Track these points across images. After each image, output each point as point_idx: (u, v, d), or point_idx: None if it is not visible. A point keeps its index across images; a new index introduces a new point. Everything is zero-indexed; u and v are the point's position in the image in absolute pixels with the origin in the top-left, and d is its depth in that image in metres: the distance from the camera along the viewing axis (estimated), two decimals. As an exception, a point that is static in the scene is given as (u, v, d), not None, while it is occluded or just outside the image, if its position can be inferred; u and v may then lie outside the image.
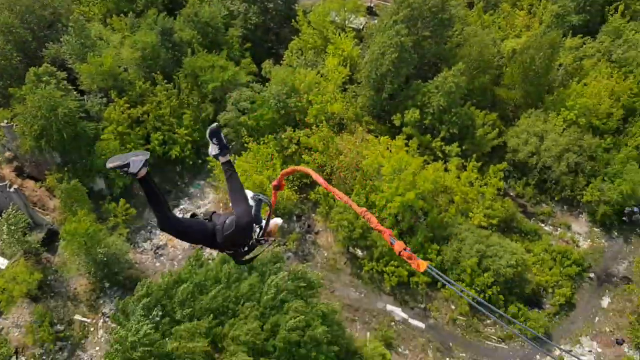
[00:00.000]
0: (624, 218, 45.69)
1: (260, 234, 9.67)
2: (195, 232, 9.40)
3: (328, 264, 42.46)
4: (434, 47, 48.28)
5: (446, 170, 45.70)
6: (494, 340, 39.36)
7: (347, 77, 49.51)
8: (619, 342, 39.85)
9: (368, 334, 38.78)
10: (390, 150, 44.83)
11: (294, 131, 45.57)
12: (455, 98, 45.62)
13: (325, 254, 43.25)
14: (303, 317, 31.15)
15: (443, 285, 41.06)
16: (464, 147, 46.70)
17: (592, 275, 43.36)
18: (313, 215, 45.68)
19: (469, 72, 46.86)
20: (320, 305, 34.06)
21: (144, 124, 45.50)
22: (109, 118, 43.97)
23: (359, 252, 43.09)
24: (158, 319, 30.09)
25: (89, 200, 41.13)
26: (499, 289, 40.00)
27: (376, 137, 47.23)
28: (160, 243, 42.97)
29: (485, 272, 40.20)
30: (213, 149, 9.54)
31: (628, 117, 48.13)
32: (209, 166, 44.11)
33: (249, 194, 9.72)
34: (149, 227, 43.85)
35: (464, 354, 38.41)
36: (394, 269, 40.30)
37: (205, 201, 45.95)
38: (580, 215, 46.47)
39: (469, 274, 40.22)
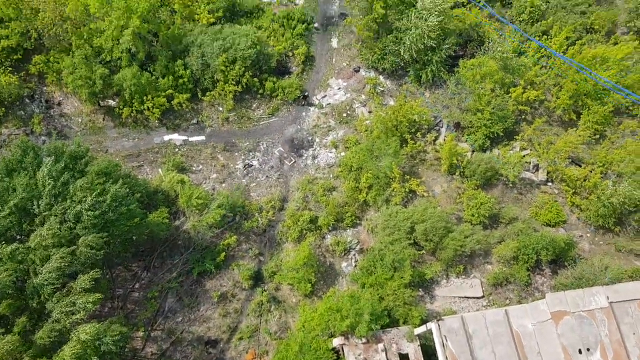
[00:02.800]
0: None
1: None
2: None
3: (88, 129, 40.78)
4: None
5: (153, -18, 43.67)
6: (265, 119, 43.42)
7: None
8: (357, 70, 46.59)
9: (160, 170, 40.06)
10: (88, -15, 40.98)
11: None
12: None
13: (80, 120, 41.13)
14: (97, 191, 30.81)
15: (203, 94, 42.66)
16: (158, -48, 44.25)
17: (316, 25, 47.99)
18: (45, 88, 41.86)
19: None
20: (100, 165, 33.69)
21: None
22: None
23: (112, 102, 41.73)
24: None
25: None
26: (250, 74, 42.83)
27: (65, -24, 42.26)
28: None
29: (234, 63, 42.24)
30: None
31: None
32: None
33: None
34: None
35: (247, 143, 42.14)
36: (150, 103, 40.30)
37: None
38: (288, -26, 49.21)
39: (221, 72, 41.93)
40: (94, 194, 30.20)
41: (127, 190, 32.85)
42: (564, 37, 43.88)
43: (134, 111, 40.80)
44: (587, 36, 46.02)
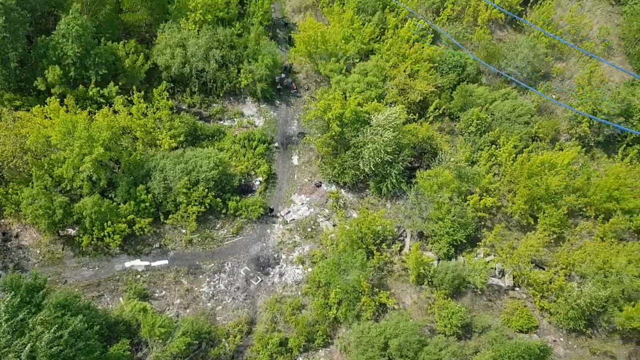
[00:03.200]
0: (277, 86, 52.15)
1: None
2: None
3: (47, 260, 39.48)
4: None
5: (115, 112, 44.87)
6: (229, 238, 43.12)
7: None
8: (318, 185, 47.56)
9: (121, 299, 38.55)
10: (50, 118, 41.78)
11: None
12: (87, 40, 43.45)
13: (39, 251, 39.88)
14: (56, 326, 29.34)
15: (165, 217, 42.38)
16: (120, 84, 46.12)
17: (277, 144, 49.51)
18: (2, 220, 40.87)
19: (87, 9, 44.76)
20: (59, 297, 32.34)
21: None
22: None
23: (72, 231, 40.89)
24: None
25: None
26: (214, 194, 43.06)
27: (27, 110, 43.13)
28: None
29: (196, 185, 42.54)
30: None
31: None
32: None
33: None
34: None
35: (212, 264, 41.41)
36: (111, 229, 39.68)
37: None
38: (246, 100, 51.34)
39: (184, 194, 42.01)
40: (52, 330, 28.62)
41: (86, 323, 31.30)
42: (512, 146, 46.40)
43: (94, 239, 39.92)
44: (534, 144, 48.84)
